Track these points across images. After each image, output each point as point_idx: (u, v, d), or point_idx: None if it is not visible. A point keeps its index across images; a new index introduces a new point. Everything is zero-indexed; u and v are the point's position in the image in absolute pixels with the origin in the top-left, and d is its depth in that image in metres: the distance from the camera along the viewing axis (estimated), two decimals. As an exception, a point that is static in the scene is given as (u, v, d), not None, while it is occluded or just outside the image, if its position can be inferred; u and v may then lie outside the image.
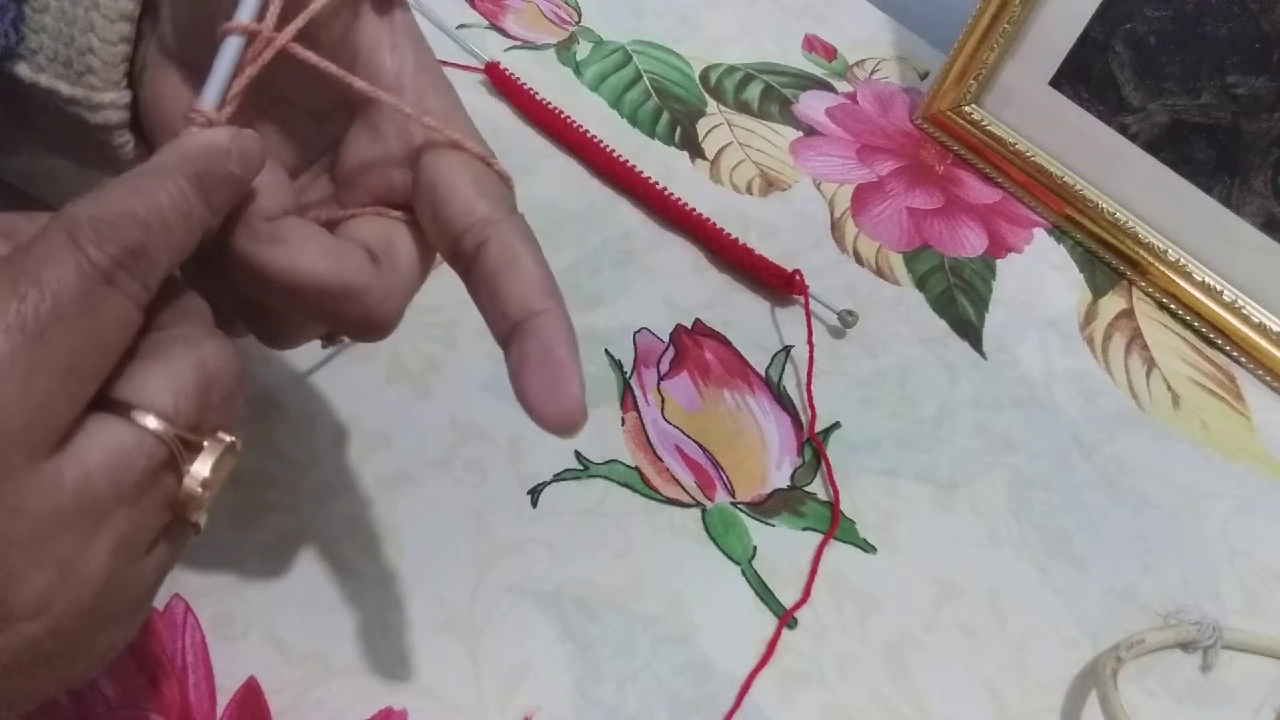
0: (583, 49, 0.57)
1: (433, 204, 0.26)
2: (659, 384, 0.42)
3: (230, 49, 0.25)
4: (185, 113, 0.25)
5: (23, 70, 0.27)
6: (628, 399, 0.42)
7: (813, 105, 0.58)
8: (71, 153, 0.30)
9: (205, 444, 0.22)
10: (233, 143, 0.24)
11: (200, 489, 0.22)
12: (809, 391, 0.43)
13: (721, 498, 0.39)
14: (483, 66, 0.53)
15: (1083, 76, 0.53)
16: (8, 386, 0.19)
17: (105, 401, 0.21)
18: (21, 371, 0.19)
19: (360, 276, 0.25)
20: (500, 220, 0.26)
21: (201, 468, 0.22)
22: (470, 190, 0.26)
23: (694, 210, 0.48)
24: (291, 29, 0.25)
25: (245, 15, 0.25)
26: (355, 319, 0.26)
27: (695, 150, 0.53)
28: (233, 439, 0.23)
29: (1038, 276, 0.52)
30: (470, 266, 0.26)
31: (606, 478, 0.39)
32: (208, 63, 0.25)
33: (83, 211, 0.20)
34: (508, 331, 0.25)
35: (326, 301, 0.25)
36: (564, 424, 0.23)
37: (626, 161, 0.49)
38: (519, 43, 0.56)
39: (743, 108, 0.56)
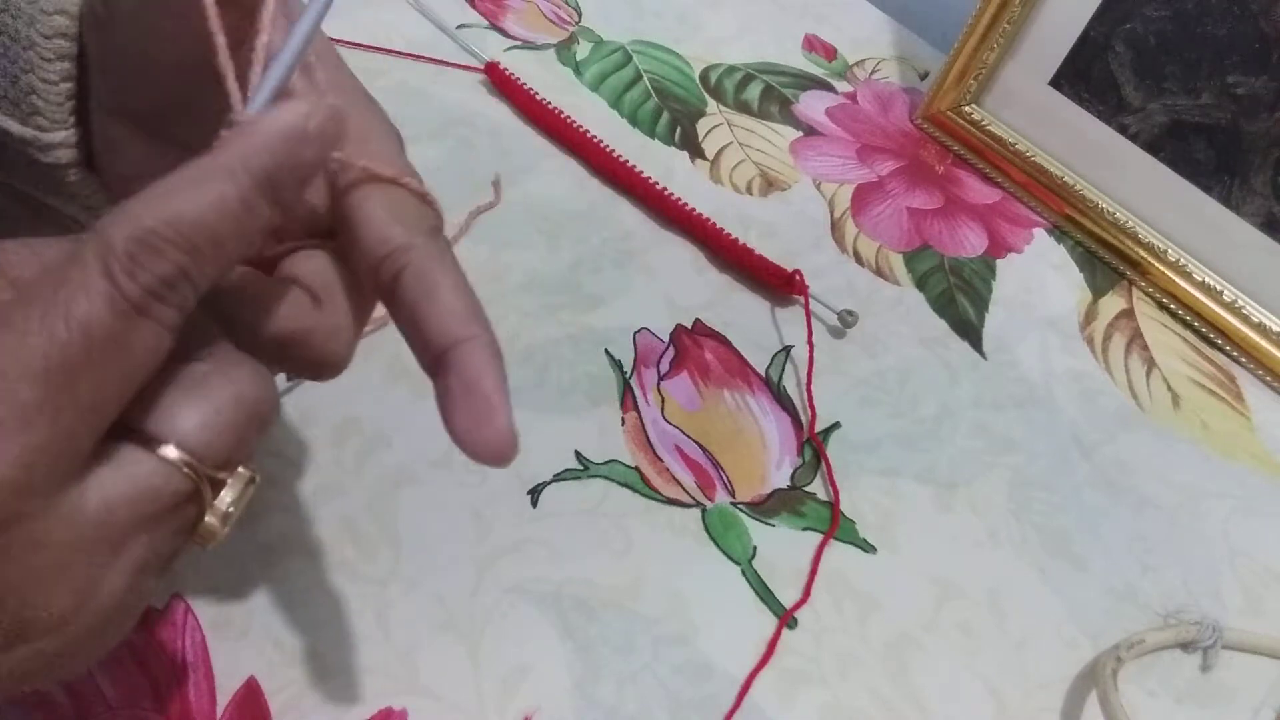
0: (583, 49, 0.57)
1: (348, 235, 0.24)
2: (659, 384, 0.42)
3: (291, 49, 0.22)
4: (228, 120, 0.22)
5: None
6: (628, 399, 0.42)
7: (813, 105, 0.58)
8: (34, 188, 0.30)
9: (230, 480, 0.22)
10: (313, 122, 0.21)
11: (221, 525, 0.22)
12: (809, 391, 0.43)
13: (721, 498, 0.39)
14: (483, 66, 0.53)
15: (1083, 76, 0.53)
16: (34, 434, 0.18)
17: (136, 433, 0.20)
18: (48, 418, 0.18)
19: (303, 322, 0.24)
20: (416, 246, 0.24)
21: (224, 502, 0.22)
22: (384, 217, 0.24)
23: (694, 210, 0.48)
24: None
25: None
26: (304, 363, 0.25)
27: (695, 150, 0.53)
28: (253, 473, 0.22)
29: (1038, 276, 0.52)
30: (389, 297, 0.24)
31: (606, 478, 0.39)
32: (148, 110, 0.25)
33: (119, 231, 0.19)
34: (431, 362, 0.24)
35: (272, 349, 0.24)
36: (494, 457, 0.22)
37: (626, 161, 0.49)
38: (519, 43, 0.56)
39: (743, 108, 0.56)
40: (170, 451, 0.20)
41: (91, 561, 0.20)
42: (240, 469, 0.22)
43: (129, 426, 0.20)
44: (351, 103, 0.25)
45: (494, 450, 0.22)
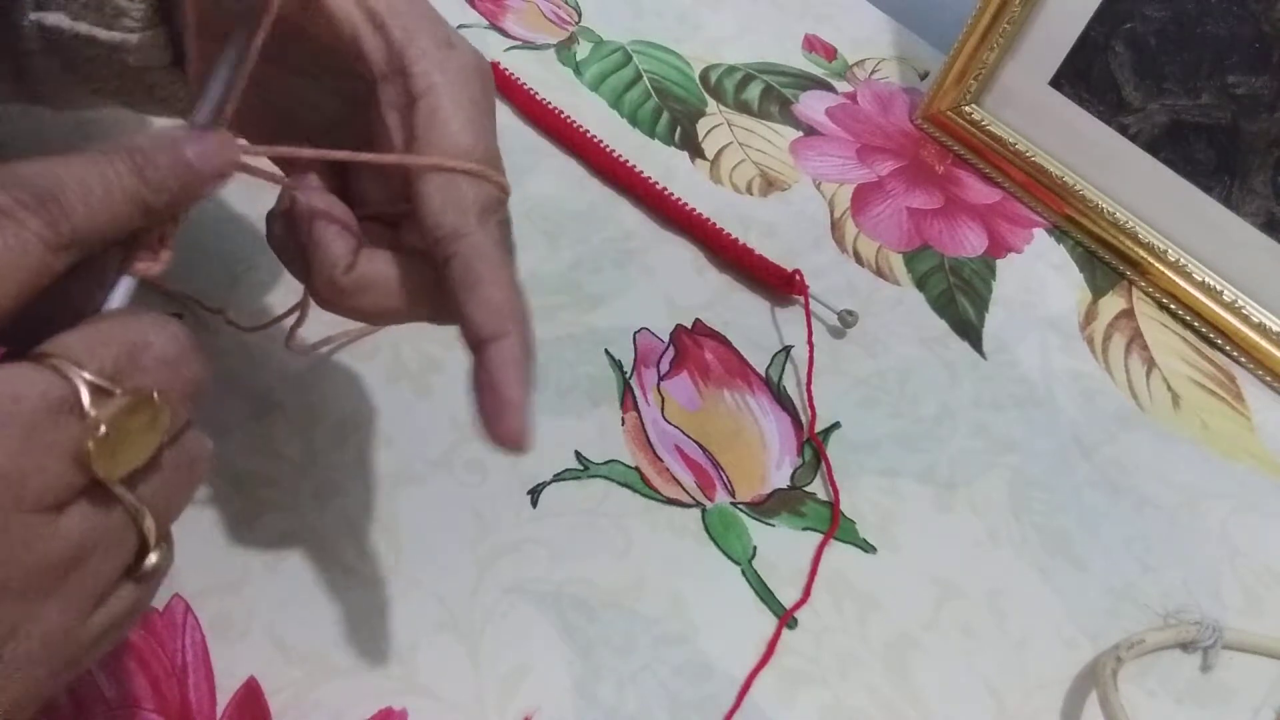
0: (583, 49, 0.57)
1: (413, 217, 0.26)
2: (659, 384, 0.42)
3: (224, 70, 0.25)
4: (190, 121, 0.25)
5: (61, 20, 0.27)
6: (628, 399, 0.42)
7: (813, 105, 0.58)
8: (126, 97, 0.30)
9: (118, 391, 0.20)
10: (186, 137, 0.23)
11: (102, 429, 0.20)
12: (809, 391, 0.43)
13: (721, 498, 0.39)
14: (483, 66, 0.53)
15: (1083, 76, 0.53)
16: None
17: (20, 356, 0.20)
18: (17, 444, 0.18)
19: (431, 302, 0.27)
20: (466, 234, 0.25)
21: (105, 412, 0.20)
22: (439, 203, 0.25)
23: (694, 210, 0.48)
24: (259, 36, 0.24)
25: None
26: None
27: (695, 150, 0.53)
28: (153, 393, 0.21)
29: (1038, 276, 0.52)
30: (442, 282, 0.26)
31: (606, 478, 0.39)
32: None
33: None
34: (471, 349, 0.26)
35: (402, 320, 0.27)
36: (508, 447, 0.25)
37: (626, 161, 0.49)
38: (519, 43, 0.56)
39: (743, 108, 0.56)
40: (48, 359, 0.20)
41: (61, 595, 0.19)
42: (142, 392, 0.21)
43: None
44: (430, 51, 0.26)
45: (508, 442, 0.25)
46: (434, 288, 0.26)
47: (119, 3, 0.27)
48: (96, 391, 0.20)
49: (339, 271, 0.26)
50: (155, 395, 0.21)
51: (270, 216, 0.28)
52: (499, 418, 0.25)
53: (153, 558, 0.22)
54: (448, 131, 0.26)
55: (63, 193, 0.21)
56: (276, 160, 0.28)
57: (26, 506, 0.19)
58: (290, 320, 0.34)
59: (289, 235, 0.27)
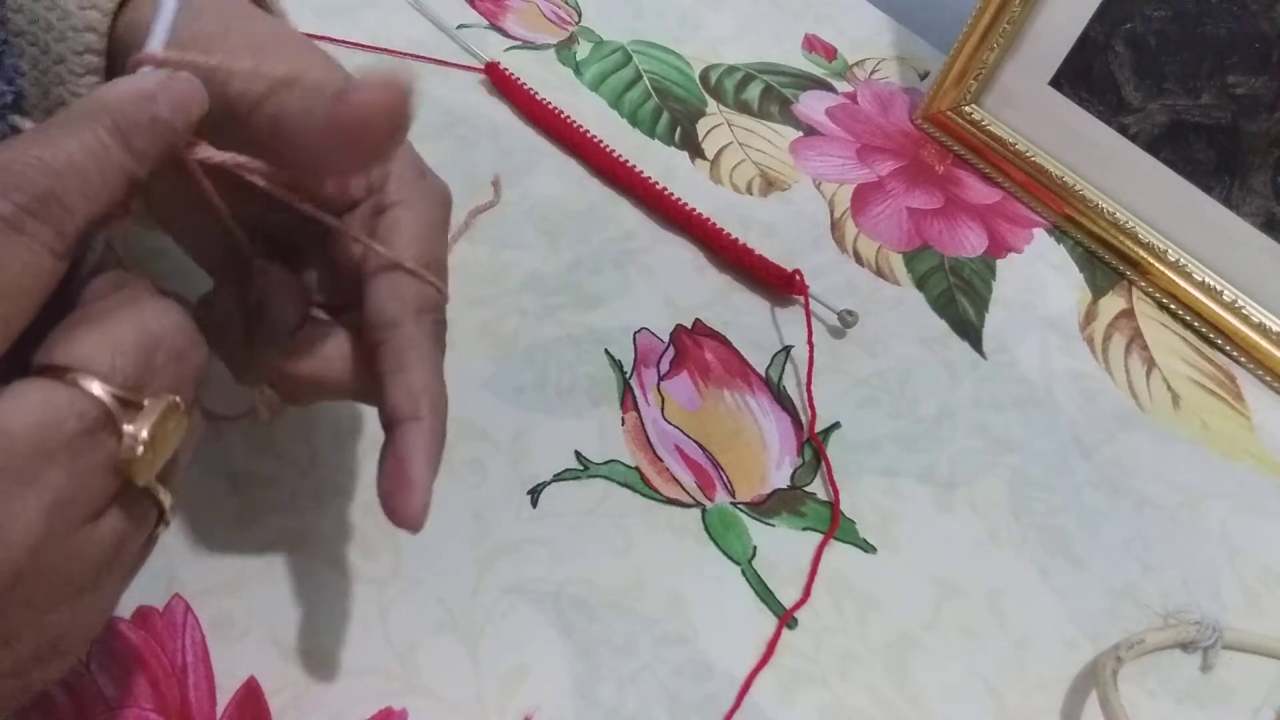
0: (583, 49, 0.57)
1: (359, 305, 0.28)
2: (659, 384, 0.42)
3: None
4: (131, 62, 0.24)
5: (21, 122, 0.27)
6: (628, 399, 0.42)
7: (813, 105, 0.58)
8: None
9: (146, 403, 0.21)
10: (159, 86, 0.23)
11: (140, 448, 0.21)
12: (809, 391, 0.43)
13: (721, 498, 0.39)
14: (483, 66, 0.53)
15: (1083, 76, 0.53)
16: None
17: (37, 368, 0.20)
18: None
19: (363, 380, 0.28)
20: (401, 325, 0.27)
21: (141, 426, 0.21)
22: (384, 294, 0.27)
23: (694, 210, 0.48)
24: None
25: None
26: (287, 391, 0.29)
27: (695, 150, 0.53)
28: (176, 398, 0.22)
29: (1038, 276, 0.52)
30: (371, 363, 0.28)
31: (606, 478, 0.39)
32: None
33: None
34: (385, 429, 0.27)
35: (345, 396, 0.28)
36: (402, 524, 0.26)
37: (626, 161, 0.49)
38: (519, 43, 0.56)
39: (743, 108, 0.56)
40: (72, 375, 0.20)
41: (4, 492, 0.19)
42: (168, 396, 0.22)
43: (34, 365, 0.20)
44: (404, 176, 0.29)
45: (404, 519, 0.26)
46: (365, 367, 0.28)
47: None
48: (125, 404, 0.21)
49: (288, 329, 0.27)
50: (179, 401, 0.22)
51: (212, 292, 0.29)
52: (399, 495, 0.26)
53: (166, 523, 0.24)
54: (406, 239, 0.28)
55: (64, 190, 0.21)
56: (230, 253, 0.29)
57: (75, 525, 0.20)
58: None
59: (238, 302, 0.28)
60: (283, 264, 0.29)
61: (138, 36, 0.25)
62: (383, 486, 0.26)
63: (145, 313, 0.22)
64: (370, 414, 0.38)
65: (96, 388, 0.20)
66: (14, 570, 0.19)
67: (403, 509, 0.26)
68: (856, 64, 0.62)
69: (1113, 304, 0.52)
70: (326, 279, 0.30)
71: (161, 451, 0.22)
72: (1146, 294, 0.53)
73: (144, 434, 0.21)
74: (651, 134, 0.53)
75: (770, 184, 0.53)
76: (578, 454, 0.39)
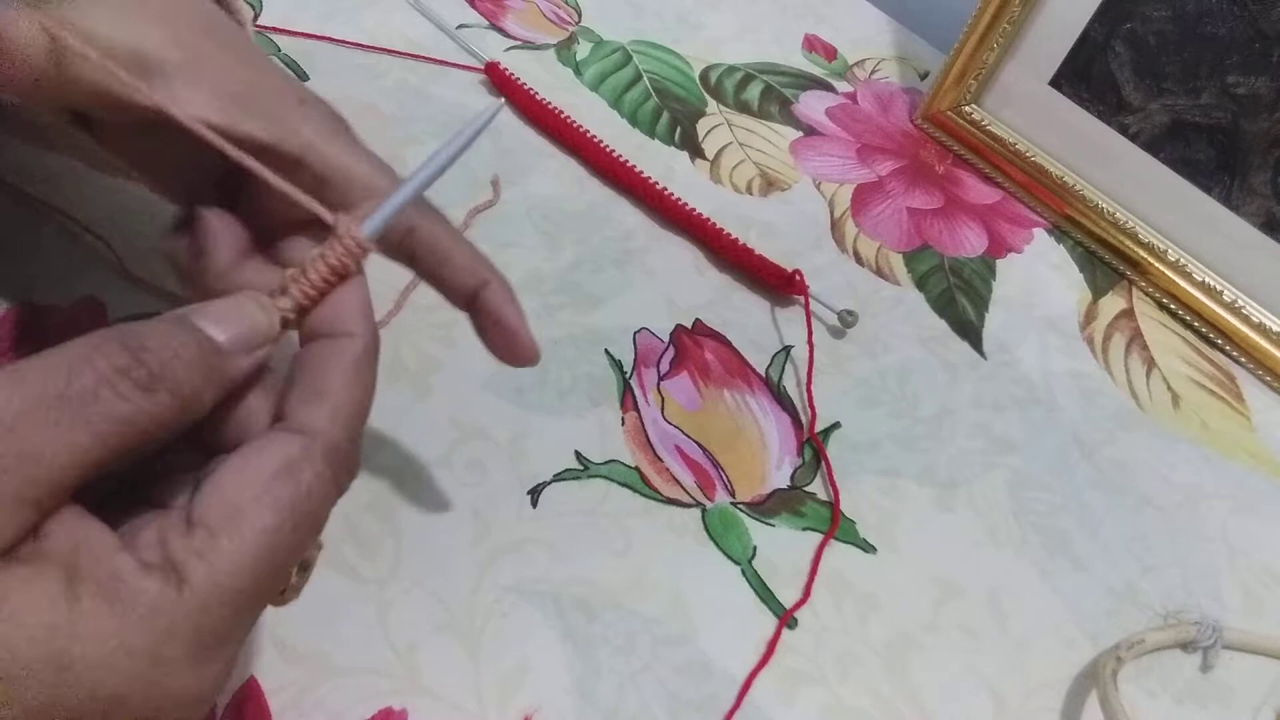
0: (583, 49, 0.57)
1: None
2: (659, 384, 0.42)
3: (411, 186, 0.26)
4: (342, 236, 0.25)
5: None
6: (628, 399, 0.42)
7: (813, 105, 0.58)
8: (31, 138, 0.31)
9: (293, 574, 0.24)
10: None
11: (295, 597, 0.24)
12: (809, 391, 0.43)
13: (721, 498, 0.39)
14: (483, 66, 0.53)
15: (1083, 76, 0.53)
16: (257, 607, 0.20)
17: None
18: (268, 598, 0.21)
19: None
20: (412, 223, 0.29)
21: (302, 581, 0.24)
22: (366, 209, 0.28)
23: (694, 210, 0.48)
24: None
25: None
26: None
27: (695, 150, 0.53)
28: (322, 546, 0.24)
29: (1038, 276, 0.52)
30: (419, 267, 0.30)
31: (606, 478, 0.39)
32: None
33: (336, 446, 0.23)
34: (463, 305, 0.30)
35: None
36: (526, 363, 0.30)
37: (626, 161, 0.49)
38: (519, 43, 0.56)
39: (743, 108, 0.56)
40: None
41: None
42: (319, 547, 0.24)
43: None
44: (287, 110, 0.28)
45: (525, 361, 0.30)
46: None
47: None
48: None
49: (222, 268, 0.28)
50: (323, 545, 0.24)
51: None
52: (512, 345, 0.30)
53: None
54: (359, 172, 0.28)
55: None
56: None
57: None
58: None
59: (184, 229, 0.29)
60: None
61: None
62: (496, 347, 0.30)
63: (312, 492, 0.23)
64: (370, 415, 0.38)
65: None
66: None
67: (521, 353, 0.30)
68: (856, 64, 0.62)
69: (1113, 304, 0.52)
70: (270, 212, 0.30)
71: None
72: (1146, 294, 0.53)
73: (303, 589, 0.24)
74: (651, 134, 0.53)
75: (770, 184, 0.53)
76: (578, 454, 0.39)
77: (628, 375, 0.42)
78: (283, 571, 0.20)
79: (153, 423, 0.20)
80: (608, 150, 0.50)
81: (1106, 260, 0.54)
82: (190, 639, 0.19)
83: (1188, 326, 0.52)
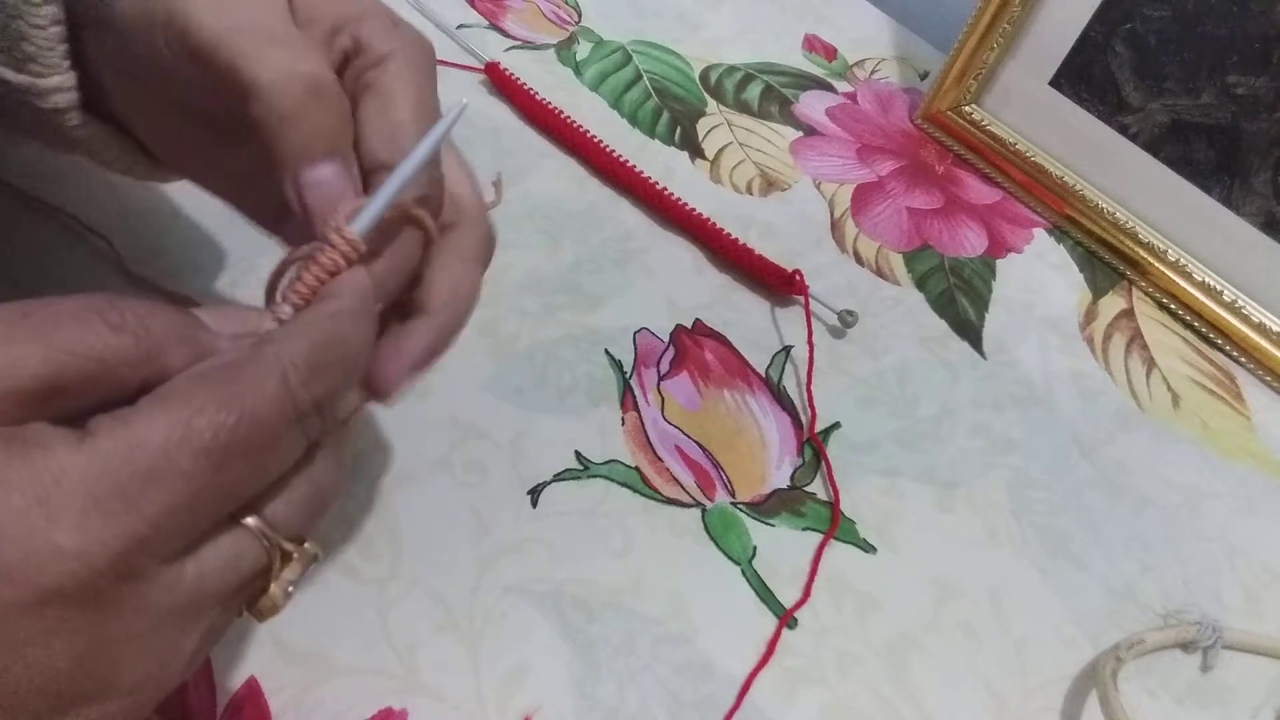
0: (583, 49, 0.57)
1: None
2: (659, 384, 0.42)
3: (397, 179, 0.25)
4: (330, 230, 0.24)
5: None
6: (628, 399, 0.42)
7: (813, 105, 0.58)
8: (39, 135, 0.30)
9: (295, 554, 0.23)
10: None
11: (283, 598, 0.23)
12: (809, 391, 0.43)
13: (721, 498, 0.39)
14: (483, 66, 0.53)
15: (1083, 76, 0.53)
16: (175, 496, 0.19)
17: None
18: (191, 487, 0.19)
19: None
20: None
21: (291, 575, 0.23)
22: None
23: (694, 210, 0.48)
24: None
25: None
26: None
27: (695, 150, 0.53)
28: (317, 550, 0.23)
29: (1038, 276, 0.52)
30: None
31: (606, 478, 0.39)
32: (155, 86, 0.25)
33: (297, 347, 0.21)
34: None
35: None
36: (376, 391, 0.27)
37: (626, 161, 0.49)
38: (519, 43, 0.56)
39: (743, 108, 0.56)
40: (253, 523, 0.22)
41: (178, 629, 0.21)
42: (306, 545, 0.23)
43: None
44: (379, 30, 0.27)
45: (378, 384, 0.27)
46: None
47: (28, 48, 0.27)
48: (283, 556, 0.23)
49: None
50: (319, 555, 0.24)
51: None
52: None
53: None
54: (401, 99, 0.26)
55: (346, 383, 0.23)
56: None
57: (210, 646, 0.23)
58: None
59: None
60: None
61: None
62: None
63: (315, 467, 0.23)
64: (368, 415, 0.38)
65: (268, 539, 0.22)
66: (156, 694, 0.21)
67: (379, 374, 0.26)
68: (856, 64, 0.62)
69: (1113, 304, 0.52)
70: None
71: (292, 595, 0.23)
72: (1146, 294, 0.53)
73: (290, 588, 0.23)
74: (651, 134, 0.53)
75: (770, 184, 0.53)
76: (578, 454, 0.39)
77: (628, 375, 0.42)
78: (203, 455, 0.19)
79: (112, 358, 0.20)
80: (608, 150, 0.50)
81: (1106, 260, 0.54)
82: (79, 490, 0.18)
83: (1188, 326, 0.52)
